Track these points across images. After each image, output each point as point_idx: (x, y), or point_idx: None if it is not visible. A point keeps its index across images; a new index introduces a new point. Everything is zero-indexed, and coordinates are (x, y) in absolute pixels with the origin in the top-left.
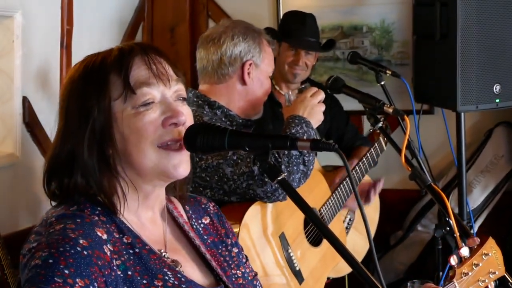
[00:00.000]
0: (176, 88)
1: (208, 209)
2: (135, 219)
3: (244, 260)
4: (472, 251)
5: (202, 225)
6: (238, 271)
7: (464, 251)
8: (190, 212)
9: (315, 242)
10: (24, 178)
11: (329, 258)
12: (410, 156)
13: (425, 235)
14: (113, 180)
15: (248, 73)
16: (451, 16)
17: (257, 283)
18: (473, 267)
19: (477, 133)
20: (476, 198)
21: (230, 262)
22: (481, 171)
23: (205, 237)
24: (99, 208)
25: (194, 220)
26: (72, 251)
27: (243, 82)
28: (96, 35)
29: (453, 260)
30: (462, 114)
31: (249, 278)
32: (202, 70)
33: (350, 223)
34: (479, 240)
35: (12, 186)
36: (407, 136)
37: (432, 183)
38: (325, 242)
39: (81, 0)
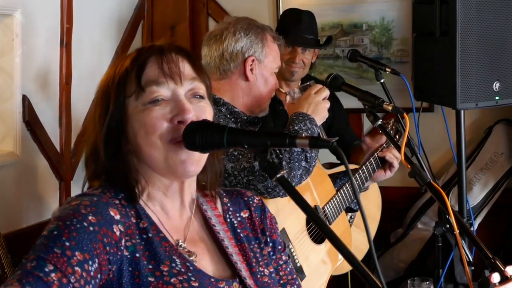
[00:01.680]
0: (191, 87)
1: (250, 202)
2: (158, 208)
3: (280, 262)
4: (506, 279)
5: (238, 219)
6: (265, 270)
7: (510, 270)
8: (229, 205)
9: (318, 239)
10: (24, 176)
11: (333, 256)
12: (410, 154)
13: (425, 233)
14: (129, 173)
15: (251, 69)
16: (451, 13)
17: None
18: None
19: (476, 131)
20: (476, 195)
21: (260, 259)
22: (481, 168)
23: (238, 230)
24: (122, 194)
25: (230, 213)
26: (78, 225)
27: (246, 78)
28: (96, 33)
29: (495, 277)
30: (462, 111)
31: (282, 281)
32: (205, 67)
33: (351, 220)
34: None
35: (12, 185)
36: (406, 134)
37: (432, 181)
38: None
39: None
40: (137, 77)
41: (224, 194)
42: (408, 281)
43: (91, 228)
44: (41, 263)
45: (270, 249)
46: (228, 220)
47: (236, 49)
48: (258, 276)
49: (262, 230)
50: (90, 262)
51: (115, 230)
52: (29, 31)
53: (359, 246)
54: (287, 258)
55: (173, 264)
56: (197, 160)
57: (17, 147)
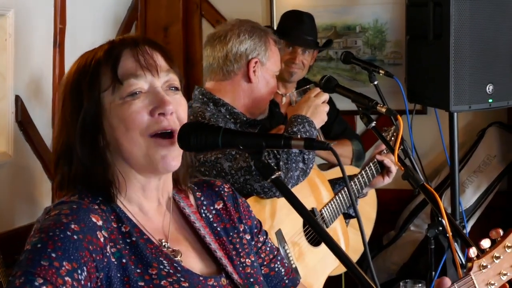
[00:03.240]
0: (167, 78)
1: (222, 192)
2: (137, 209)
3: (259, 245)
4: (495, 243)
5: (213, 212)
6: (247, 260)
7: (485, 243)
8: (202, 199)
9: (315, 242)
10: (16, 177)
11: (330, 259)
12: (403, 156)
13: (418, 235)
14: (106, 170)
15: (254, 71)
16: (444, 16)
17: (276, 265)
18: (494, 259)
19: (470, 133)
20: (468, 198)
21: (240, 250)
22: (473, 171)
23: (215, 225)
24: (100, 198)
25: (205, 208)
26: (61, 235)
27: (248, 80)
28: (89, 34)
29: (472, 252)
30: (455, 114)
31: (265, 262)
32: (208, 68)
33: (347, 221)
34: (502, 231)
35: (4, 185)
36: (400, 136)
37: (425, 183)
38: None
39: None
40: (112, 70)
41: (196, 188)
42: (401, 283)
43: (75, 237)
44: (30, 278)
45: (249, 237)
46: (204, 215)
47: (240, 50)
48: (240, 268)
49: (239, 218)
50: (79, 271)
51: (99, 236)
52: (23, 31)
53: (355, 245)
54: (265, 237)
55: (161, 266)
56: (177, 155)
57: (10, 147)
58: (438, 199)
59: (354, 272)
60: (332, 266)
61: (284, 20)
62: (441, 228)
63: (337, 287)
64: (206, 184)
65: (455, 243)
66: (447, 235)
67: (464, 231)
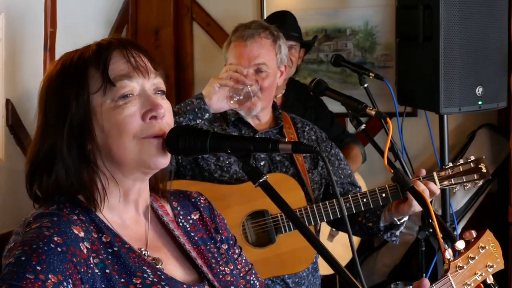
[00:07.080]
0: (155, 81)
1: (198, 203)
2: (116, 218)
3: (235, 256)
4: (469, 244)
5: (190, 222)
6: (226, 268)
7: (460, 244)
8: (178, 208)
9: (257, 243)
10: (7, 181)
11: (270, 265)
12: (393, 158)
13: (409, 237)
14: (93, 174)
15: None
16: (434, 19)
17: (251, 278)
18: (469, 260)
19: (460, 135)
20: (459, 200)
21: (219, 259)
22: None
23: (192, 234)
24: (79, 208)
25: (181, 217)
26: (45, 248)
27: None
28: (80, 37)
29: (448, 254)
30: (445, 116)
31: (241, 274)
32: None
33: (333, 230)
34: (475, 233)
35: None
36: (389, 138)
37: (414, 185)
38: (270, 248)
39: (65, 2)
40: (103, 72)
41: (172, 197)
42: (392, 285)
43: (59, 249)
44: None
45: (226, 246)
46: (181, 224)
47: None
48: (220, 276)
49: (215, 229)
50: (65, 283)
51: (82, 248)
52: (13, 34)
53: (346, 246)
54: (240, 250)
55: (145, 275)
56: (168, 154)
57: (1, 151)
58: (428, 201)
59: (341, 274)
60: (270, 273)
61: (268, 21)
62: (431, 230)
63: (331, 287)
64: (182, 195)
65: (445, 245)
66: (437, 237)
67: (455, 233)
